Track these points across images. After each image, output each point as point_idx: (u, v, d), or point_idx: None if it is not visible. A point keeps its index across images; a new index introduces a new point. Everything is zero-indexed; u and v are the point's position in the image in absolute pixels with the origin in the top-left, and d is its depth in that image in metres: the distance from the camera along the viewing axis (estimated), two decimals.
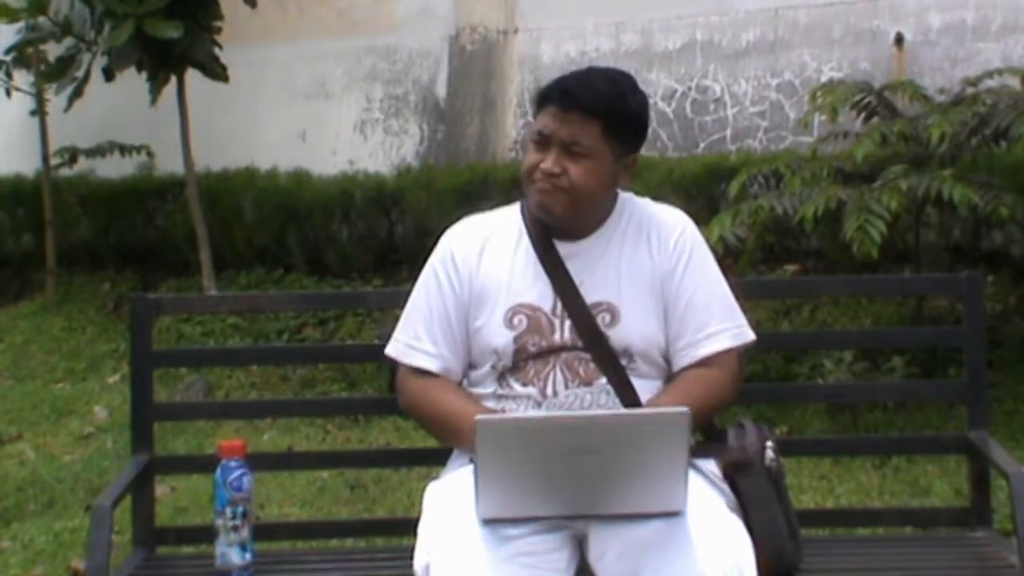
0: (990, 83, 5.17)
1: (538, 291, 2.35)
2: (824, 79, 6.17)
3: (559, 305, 2.34)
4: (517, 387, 2.33)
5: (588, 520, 2.15)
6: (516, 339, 2.32)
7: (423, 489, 2.39)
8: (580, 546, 2.20)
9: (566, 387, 2.32)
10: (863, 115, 5.25)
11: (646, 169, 6.25)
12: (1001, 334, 5.11)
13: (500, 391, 2.36)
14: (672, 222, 2.44)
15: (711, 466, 2.35)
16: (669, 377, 2.42)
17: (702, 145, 6.74)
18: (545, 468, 2.08)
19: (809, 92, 5.58)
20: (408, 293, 2.51)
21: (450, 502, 2.24)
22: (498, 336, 2.34)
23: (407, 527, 2.22)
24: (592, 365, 2.32)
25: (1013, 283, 5.49)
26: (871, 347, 4.87)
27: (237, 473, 2.40)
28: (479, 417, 2.06)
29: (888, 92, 5.32)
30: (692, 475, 2.21)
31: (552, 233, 2.39)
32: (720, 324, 2.39)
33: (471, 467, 2.29)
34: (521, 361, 2.33)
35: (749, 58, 6.69)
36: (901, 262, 5.29)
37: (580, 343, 2.32)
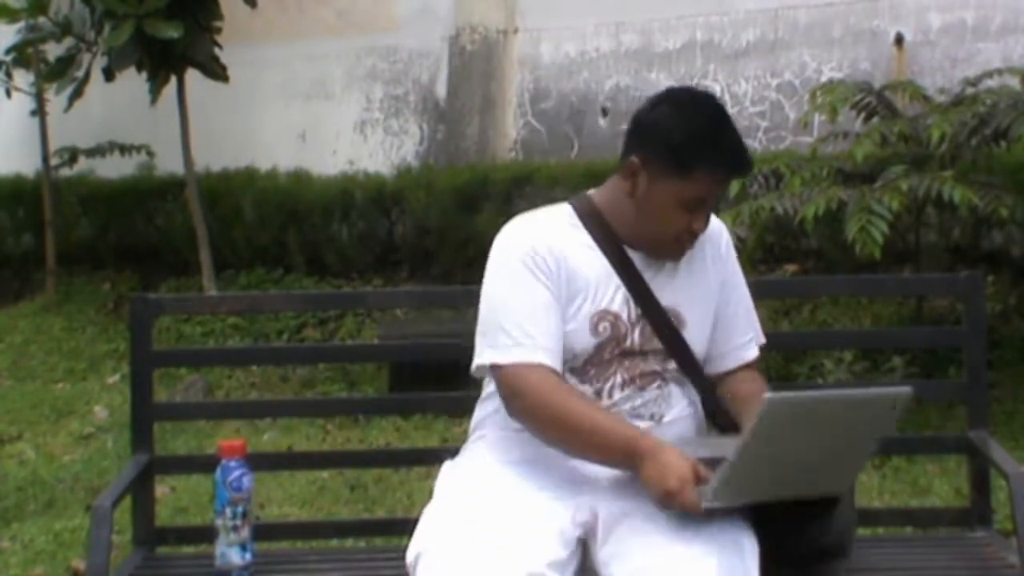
0: (990, 83, 5.17)
1: (618, 298, 2.30)
2: (824, 79, 6.17)
3: (634, 312, 2.31)
4: (574, 383, 2.29)
5: (599, 519, 2.16)
6: (597, 346, 2.28)
7: (423, 489, 2.39)
8: (584, 547, 2.20)
9: (621, 390, 2.31)
10: (863, 115, 5.25)
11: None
12: (1001, 334, 5.11)
13: None
14: (719, 228, 2.44)
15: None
16: (699, 382, 2.41)
17: None
18: (800, 449, 2.06)
19: (809, 92, 5.58)
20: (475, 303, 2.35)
21: (456, 487, 2.25)
22: (582, 341, 2.28)
23: (407, 527, 2.22)
24: (648, 372, 2.32)
25: (1013, 283, 5.49)
26: (871, 347, 4.87)
27: (237, 473, 2.40)
28: (769, 395, 2.00)
29: (888, 92, 5.31)
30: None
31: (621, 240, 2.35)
32: (754, 328, 2.47)
33: (490, 453, 2.30)
34: (589, 363, 2.31)
35: (749, 58, 6.69)
36: (901, 262, 5.29)
37: (656, 347, 2.31)
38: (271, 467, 3.67)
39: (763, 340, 2.48)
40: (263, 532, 2.68)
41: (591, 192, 2.41)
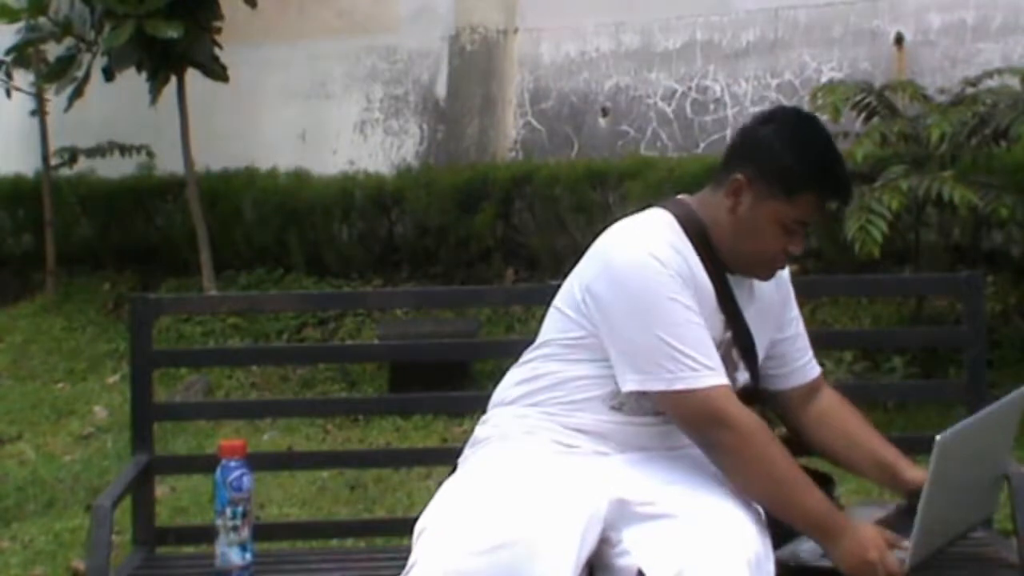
0: (990, 83, 5.17)
1: (718, 323, 2.29)
2: (824, 79, 6.17)
3: (724, 336, 2.31)
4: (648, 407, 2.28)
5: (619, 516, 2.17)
6: None
7: (423, 489, 2.39)
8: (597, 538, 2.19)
9: None
10: (863, 115, 5.25)
11: (646, 169, 6.26)
12: (1001, 334, 5.11)
13: (622, 415, 2.29)
14: None
15: None
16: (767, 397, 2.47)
17: (702, 145, 6.73)
18: (966, 479, 2.08)
19: (810, 92, 5.58)
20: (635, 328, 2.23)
21: (478, 463, 2.26)
22: None
23: (407, 527, 2.22)
24: None
25: (1013, 283, 5.49)
26: (871, 347, 4.87)
27: (237, 473, 2.40)
28: (940, 436, 2.03)
29: (888, 92, 5.31)
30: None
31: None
32: (811, 349, 2.50)
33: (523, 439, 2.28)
34: None
35: (749, 58, 6.69)
36: (901, 262, 5.29)
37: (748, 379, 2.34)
38: (271, 467, 3.67)
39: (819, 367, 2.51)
40: (263, 532, 2.68)
41: (688, 200, 2.36)
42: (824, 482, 2.41)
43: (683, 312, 2.19)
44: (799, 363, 2.47)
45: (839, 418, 2.46)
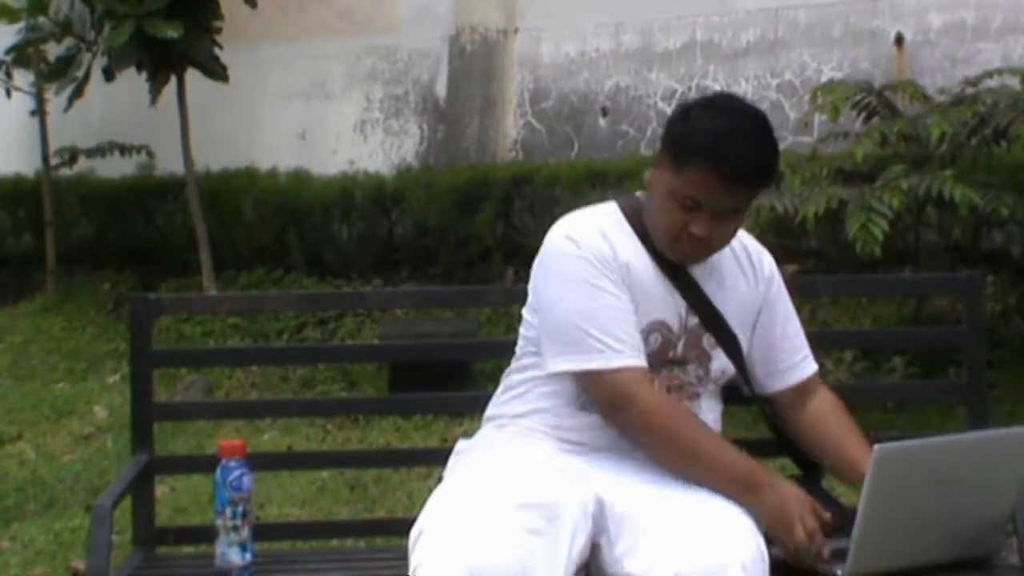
0: (990, 83, 5.17)
1: (671, 307, 2.29)
2: (824, 79, 6.17)
3: (687, 321, 2.30)
4: None
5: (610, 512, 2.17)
6: (648, 356, 2.27)
7: (423, 489, 2.39)
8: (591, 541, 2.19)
9: None
10: (863, 115, 5.25)
11: (646, 169, 6.24)
12: (1001, 334, 5.11)
13: (589, 415, 2.30)
14: (759, 249, 2.45)
15: None
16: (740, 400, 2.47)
17: None
18: (927, 503, 2.04)
19: (810, 92, 5.58)
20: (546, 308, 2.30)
21: (466, 468, 2.26)
22: None
23: (407, 527, 2.21)
24: (685, 384, 2.32)
25: (1013, 283, 5.49)
26: (871, 347, 4.87)
27: (237, 473, 2.40)
28: (878, 446, 2.00)
29: (888, 92, 5.32)
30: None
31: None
32: (807, 349, 2.46)
33: (508, 440, 2.30)
34: None
35: (749, 58, 6.69)
36: (901, 262, 5.29)
37: (695, 356, 2.31)
38: (271, 467, 3.66)
39: (815, 367, 2.47)
40: (263, 532, 2.68)
41: (639, 194, 2.40)
42: (811, 469, 2.45)
43: (596, 294, 2.21)
44: (788, 363, 2.43)
45: (831, 423, 2.42)
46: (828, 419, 2.42)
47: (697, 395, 2.33)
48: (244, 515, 2.40)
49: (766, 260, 2.44)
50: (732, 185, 2.17)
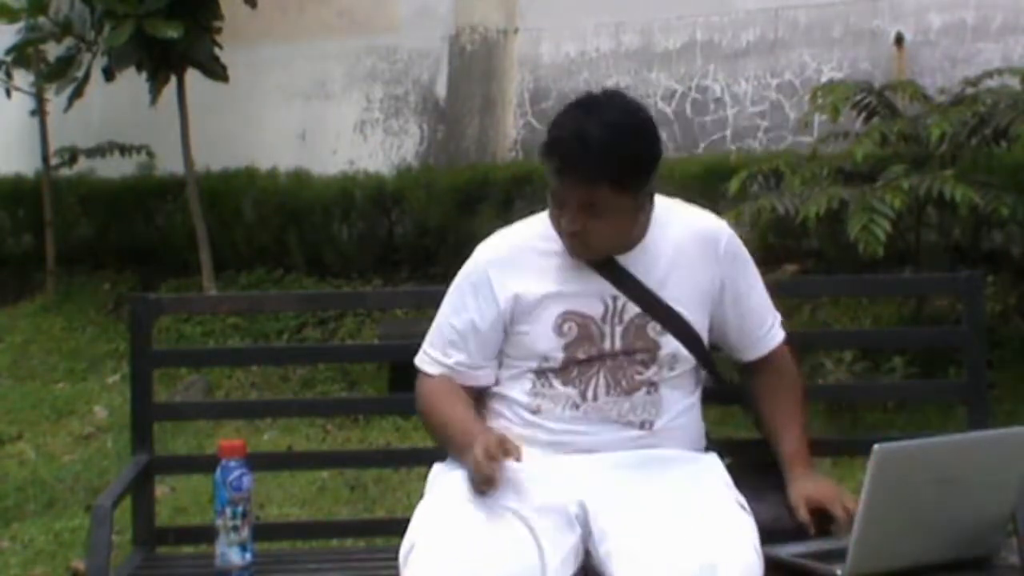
0: (990, 83, 5.17)
1: (592, 299, 2.31)
2: (824, 79, 6.17)
3: (616, 312, 2.31)
4: (557, 385, 2.32)
5: (591, 508, 2.18)
6: (566, 347, 2.29)
7: (423, 489, 2.39)
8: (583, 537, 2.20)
9: (607, 393, 2.31)
10: (863, 115, 5.26)
11: None
12: (1001, 334, 5.11)
13: (539, 388, 2.33)
14: (715, 227, 2.43)
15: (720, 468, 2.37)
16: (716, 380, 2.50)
17: (702, 145, 6.73)
18: (927, 503, 2.04)
19: (810, 92, 5.58)
20: (438, 302, 2.51)
21: (447, 484, 2.27)
22: (546, 342, 2.30)
23: (407, 527, 2.22)
24: (635, 376, 2.32)
25: (1013, 283, 5.49)
26: (871, 347, 4.87)
27: (237, 473, 2.39)
28: (877, 447, 2.00)
29: (888, 92, 5.32)
30: (707, 470, 2.31)
31: None
32: (773, 318, 2.48)
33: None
34: (569, 365, 2.32)
35: (749, 58, 6.69)
36: (901, 262, 5.29)
37: (643, 347, 2.31)
38: (271, 467, 3.66)
39: (783, 334, 2.49)
40: (263, 532, 2.68)
41: None
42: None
43: (453, 300, 2.43)
44: (755, 335, 2.45)
45: (774, 403, 2.47)
46: (774, 398, 2.47)
47: (654, 385, 2.32)
48: (244, 515, 2.39)
49: (724, 236, 2.42)
50: (567, 178, 2.22)
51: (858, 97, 5.20)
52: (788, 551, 2.18)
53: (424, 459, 3.17)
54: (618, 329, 2.31)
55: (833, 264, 5.56)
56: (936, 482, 2.03)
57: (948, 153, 4.94)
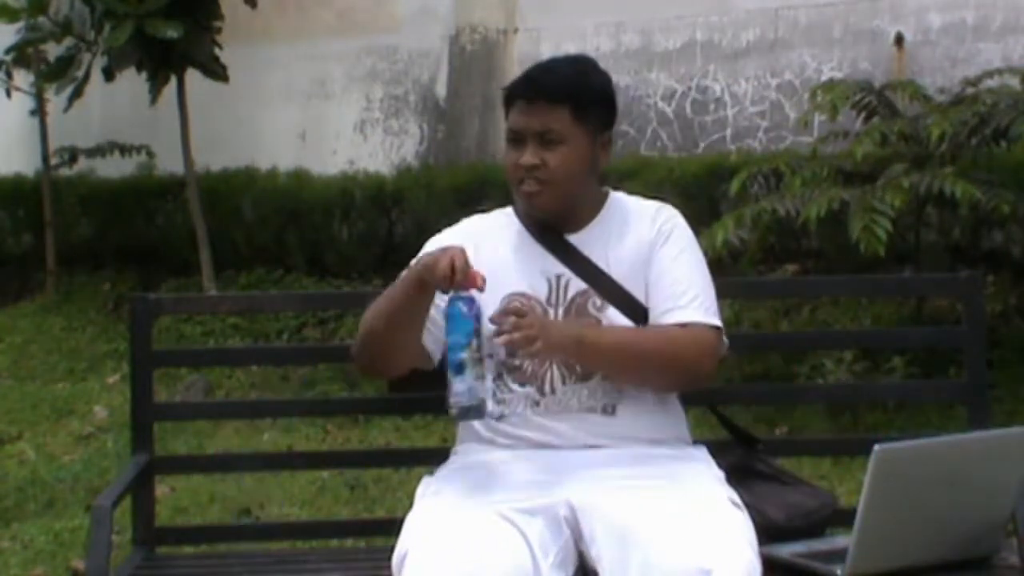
0: (990, 83, 5.17)
1: (529, 279, 2.36)
2: (824, 79, 6.17)
3: (553, 291, 2.35)
4: (515, 387, 2.34)
5: (576, 502, 2.18)
6: None
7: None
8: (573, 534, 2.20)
9: (564, 383, 2.32)
10: (863, 115, 5.26)
11: (646, 169, 6.25)
12: (1001, 334, 5.11)
13: (499, 395, 2.35)
14: (657, 208, 2.46)
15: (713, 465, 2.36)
16: None
17: (702, 145, 6.73)
18: (927, 503, 2.05)
19: (809, 91, 5.58)
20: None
21: (438, 494, 2.27)
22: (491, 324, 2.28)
23: None
24: None
25: (1013, 283, 5.49)
26: (871, 347, 4.87)
27: (478, 304, 2.19)
28: (878, 447, 2.00)
29: (888, 92, 5.32)
30: (696, 465, 2.30)
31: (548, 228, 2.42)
32: (696, 300, 2.36)
33: (465, 461, 2.35)
34: (517, 358, 2.31)
35: (749, 58, 6.69)
36: (901, 262, 5.29)
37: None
38: (271, 467, 3.67)
39: (718, 324, 2.36)
40: (263, 532, 2.68)
41: None
42: (750, 441, 2.52)
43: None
44: (663, 308, 2.34)
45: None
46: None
47: (592, 374, 2.32)
48: (480, 348, 2.20)
49: (664, 214, 2.44)
50: (525, 103, 2.34)
51: (858, 97, 5.20)
52: (788, 551, 2.18)
53: (424, 459, 3.17)
54: (560, 310, 2.34)
55: (833, 264, 5.56)
56: (936, 482, 2.04)
57: (948, 153, 4.94)
